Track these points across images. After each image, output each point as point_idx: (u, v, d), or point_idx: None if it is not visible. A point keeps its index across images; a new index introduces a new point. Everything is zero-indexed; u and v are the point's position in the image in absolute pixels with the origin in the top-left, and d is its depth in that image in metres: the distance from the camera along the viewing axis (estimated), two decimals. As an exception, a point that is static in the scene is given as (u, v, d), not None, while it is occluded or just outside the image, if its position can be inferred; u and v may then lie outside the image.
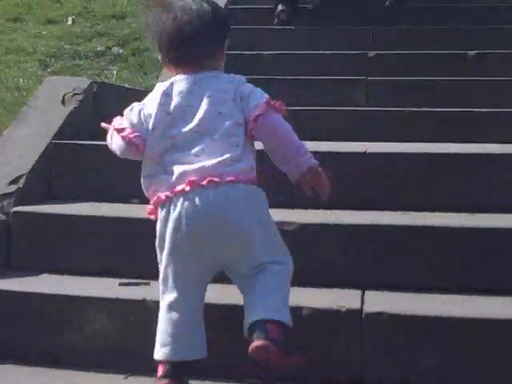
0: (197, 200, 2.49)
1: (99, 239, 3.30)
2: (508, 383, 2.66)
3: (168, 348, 2.51)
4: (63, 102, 4.13)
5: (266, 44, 6.27)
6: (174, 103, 2.66)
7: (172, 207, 2.52)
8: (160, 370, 2.51)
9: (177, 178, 2.54)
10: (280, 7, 7.01)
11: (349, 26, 6.55)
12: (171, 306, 2.55)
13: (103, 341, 2.89)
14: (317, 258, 3.11)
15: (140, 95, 5.01)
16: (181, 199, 2.51)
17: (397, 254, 3.09)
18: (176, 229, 2.51)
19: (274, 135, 2.64)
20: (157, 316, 2.66)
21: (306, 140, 2.76)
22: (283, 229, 2.92)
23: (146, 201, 3.57)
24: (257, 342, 2.37)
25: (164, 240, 2.55)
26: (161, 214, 2.57)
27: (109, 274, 3.21)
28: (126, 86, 5.39)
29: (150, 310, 2.82)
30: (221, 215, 2.50)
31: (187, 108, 2.63)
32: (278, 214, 2.94)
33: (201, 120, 2.60)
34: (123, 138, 2.69)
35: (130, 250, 3.26)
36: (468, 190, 3.51)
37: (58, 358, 2.91)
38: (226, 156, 2.54)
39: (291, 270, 2.61)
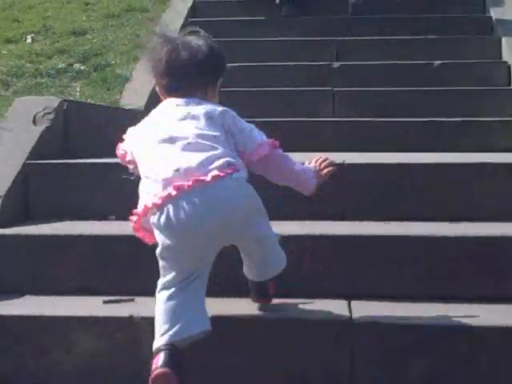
0: (184, 203, 2.57)
1: (78, 258, 3.28)
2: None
3: (171, 331, 2.56)
4: (34, 122, 4.10)
5: (228, 55, 6.25)
6: (158, 117, 2.81)
7: (165, 212, 2.59)
8: (155, 362, 2.52)
9: (164, 185, 2.61)
10: None
11: (313, 37, 6.58)
12: (174, 296, 2.60)
13: (92, 360, 2.87)
14: (300, 269, 3.13)
15: (109, 112, 5.11)
16: (169, 205, 2.58)
17: (380, 264, 3.12)
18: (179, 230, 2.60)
19: (280, 170, 2.85)
20: (145, 332, 2.70)
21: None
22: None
23: (123, 217, 3.59)
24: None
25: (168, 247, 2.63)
26: (155, 220, 2.64)
27: (90, 292, 3.19)
28: (100, 103, 5.42)
29: (137, 326, 2.83)
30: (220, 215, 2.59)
31: (170, 121, 2.74)
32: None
33: (181, 131, 2.69)
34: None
35: (111, 267, 3.25)
36: (447, 200, 3.57)
37: (46, 380, 2.88)
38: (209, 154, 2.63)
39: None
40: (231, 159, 2.64)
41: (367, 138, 5.13)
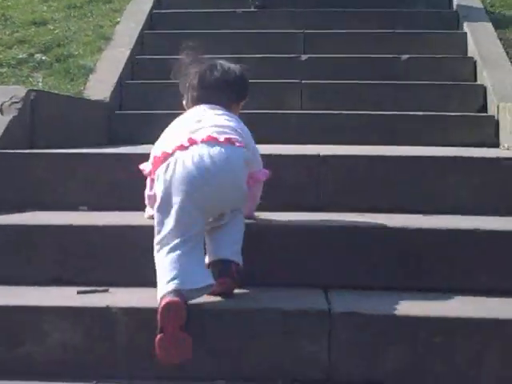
0: (193, 154, 2.84)
1: (50, 248, 3.22)
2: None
3: (177, 279, 2.70)
4: (1, 111, 4.04)
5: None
6: (185, 115, 3.13)
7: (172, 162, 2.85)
8: (164, 300, 2.65)
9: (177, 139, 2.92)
10: None
11: (280, 30, 6.55)
12: (175, 248, 2.76)
13: (66, 351, 2.82)
14: (278, 259, 3.13)
15: (76, 103, 5.05)
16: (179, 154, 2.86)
17: (355, 255, 3.13)
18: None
19: (253, 192, 3.14)
20: (121, 323, 2.71)
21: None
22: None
23: (94, 208, 3.54)
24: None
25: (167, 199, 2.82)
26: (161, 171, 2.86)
27: (63, 282, 3.14)
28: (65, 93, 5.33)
29: (114, 317, 2.79)
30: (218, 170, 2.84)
31: (197, 114, 3.06)
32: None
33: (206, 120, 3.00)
34: None
35: (83, 258, 3.20)
36: (423, 192, 3.61)
37: (19, 369, 2.82)
38: (226, 124, 2.99)
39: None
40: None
41: (333, 130, 5.15)
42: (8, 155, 3.76)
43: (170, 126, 3.08)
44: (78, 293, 3.01)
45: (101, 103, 5.38)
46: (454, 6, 6.99)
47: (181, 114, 3.34)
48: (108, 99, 5.45)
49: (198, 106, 3.09)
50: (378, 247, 3.12)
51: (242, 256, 2.93)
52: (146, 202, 3.21)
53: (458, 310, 2.83)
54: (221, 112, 3.05)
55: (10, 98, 4.12)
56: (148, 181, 3.13)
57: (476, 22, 6.50)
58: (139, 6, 7.11)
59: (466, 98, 5.63)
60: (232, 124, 2.99)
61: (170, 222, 2.79)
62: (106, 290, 3.03)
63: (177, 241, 2.76)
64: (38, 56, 6.26)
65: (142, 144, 4.93)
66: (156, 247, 2.81)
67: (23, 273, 3.20)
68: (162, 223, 2.81)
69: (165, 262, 2.75)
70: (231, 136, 2.91)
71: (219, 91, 3.12)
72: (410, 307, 2.84)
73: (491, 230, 3.15)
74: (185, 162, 2.82)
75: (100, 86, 5.65)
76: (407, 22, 6.67)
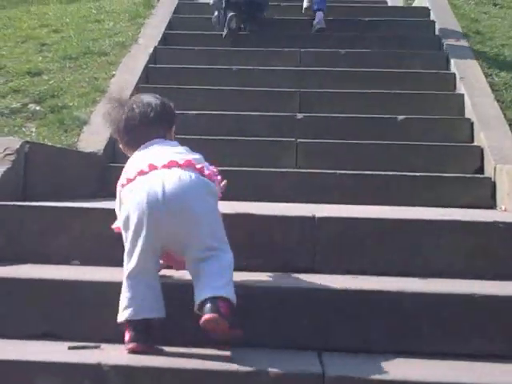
0: (153, 178, 2.94)
1: (41, 302, 3.15)
2: None
3: (131, 309, 2.86)
4: (-4, 163, 3.98)
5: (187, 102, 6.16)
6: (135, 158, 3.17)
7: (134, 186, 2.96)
8: (126, 336, 2.87)
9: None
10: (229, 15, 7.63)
11: (276, 88, 6.54)
12: (132, 275, 2.89)
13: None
14: (269, 321, 3.08)
15: (70, 155, 5.00)
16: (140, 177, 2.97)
17: (347, 317, 3.07)
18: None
19: None
20: (113, 381, 2.66)
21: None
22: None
23: (86, 261, 3.47)
24: (207, 316, 2.74)
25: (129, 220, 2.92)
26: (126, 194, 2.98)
27: (54, 337, 3.06)
28: (59, 145, 5.31)
29: (105, 374, 2.72)
30: (177, 193, 2.90)
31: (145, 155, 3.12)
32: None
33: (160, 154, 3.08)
34: None
35: (75, 313, 3.13)
36: (418, 255, 3.56)
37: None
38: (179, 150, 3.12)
39: (232, 257, 2.96)
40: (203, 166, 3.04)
41: (329, 189, 5.14)
42: (0, 207, 3.69)
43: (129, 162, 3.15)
44: (70, 348, 2.93)
45: (94, 155, 5.34)
46: (452, 68, 6.99)
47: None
48: (101, 152, 5.41)
49: (138, 153, 3.15)
50: (372, 310, 3.07)
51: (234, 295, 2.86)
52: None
53: (452, 377, 2.77)
54: (170, 144, 3.19)
55: (4, 150, 4.07)
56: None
57: (473, 83, 6.50)
58: (135, 60, 7.10)
59: (463, 159, 5.61)
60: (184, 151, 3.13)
61: (128, 241, 2.92)
62: (98, 347, 2.96)
63: (136, 268, 2.90)
64: (32, 106, 6.23)
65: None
66: (124, 263, 2.95)
67: (13, 326, 3.12)
68: (125, 239, 2.95)
69: (126, 287, 2.90)
70: (190, 158, 3.02)
71: (148, 129, 3.21)
72: (405, 371, 2.78)
73: (488, 295, 3.10)
74: (144, 187, 2.92)
75: (94, 138, 5.61)
76: (404, 82, 6.69)
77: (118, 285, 3.06)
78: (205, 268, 2.86)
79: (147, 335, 2.87)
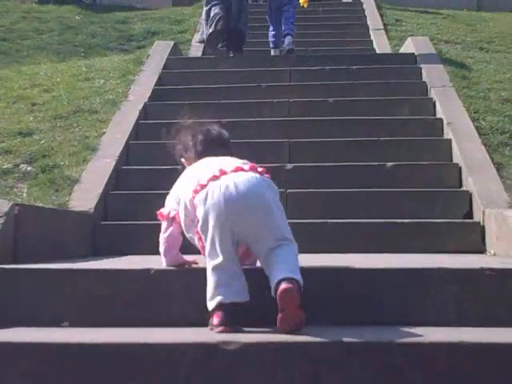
0: (225, 182, 3.35)
1: (31, 366, 3.13)
2: None
3: (220, 295, 3.24)
4: (-16, 227, 4.00)
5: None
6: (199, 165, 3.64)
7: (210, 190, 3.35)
8: (215, 320, 3.24)
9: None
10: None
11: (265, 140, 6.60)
12: (219, 266, 3.28)
13: None
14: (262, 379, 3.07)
15: (61, 215, 5.02)
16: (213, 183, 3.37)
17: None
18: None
19: None
20: None
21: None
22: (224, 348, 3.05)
23: (76, 324, 3.48)
24: (284, 285, 3.13)
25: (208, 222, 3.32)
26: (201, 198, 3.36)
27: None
28: (49, 205, 5.37)
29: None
30: (249, 190, 3.33)
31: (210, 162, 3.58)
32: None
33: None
34: None
35: (64, 376, 3.11)
36: (407, 303, 3.56)
37: None
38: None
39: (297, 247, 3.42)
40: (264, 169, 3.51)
41: (320, 238, 5.16)
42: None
43: (186, 173, 3.61)
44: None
45: (85, 214, 5.36)
46: (439, 113, 7.05)
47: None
48: (92, 210, 5.43)
49: (208, 158, 3.61)
50: (361, 361, 3.07)
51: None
52: (161, 247, 3.66)
53: None
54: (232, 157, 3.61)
55: (-6, 213, 4.09)
56: (163, 224, 3.64)
57: (460, 128, 6.55)
58: (125, 117, 7.15)
59: (452, 205, 5.63)
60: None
61: (208, 240, 3.31)
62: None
63: (221, 260, 3.28)
64: (23, 166, 6.26)
65: (126, 255, 4.92)
66: (206, 259, 3.36)
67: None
68: (205, 240, 3.33)
69: (212, 276, 3.29)
70: (254, 164, 3.47)
71: (222, 147, 3.74)
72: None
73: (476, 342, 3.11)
74: (219, 189, 3.31)
75: (85, 196, 5.64)
76: (392, 128, 6.73)
77: (109, 347, 3.10)
78: (280, 254, 3.27)
79: (234, 319, 3.23)
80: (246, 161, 3.53)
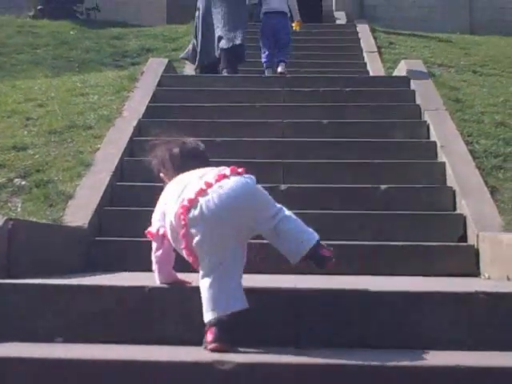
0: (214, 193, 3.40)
1: (24, 380, 3.14)
2: None
3: (216, 309, 3.27)
4: (-22, 241, 3.99)
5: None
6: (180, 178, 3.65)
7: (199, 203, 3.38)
8: (209, 337, 3.26)
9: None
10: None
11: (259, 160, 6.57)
12: (214, 278, 3.31)
13: None
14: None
15: (55, 231, 5.00)
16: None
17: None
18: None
19: None
20: None
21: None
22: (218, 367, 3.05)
23: (70, 340, 3.46)
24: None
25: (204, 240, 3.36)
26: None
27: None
28: (43, 220, 5.36)
29: None
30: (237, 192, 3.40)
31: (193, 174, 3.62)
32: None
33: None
34: None
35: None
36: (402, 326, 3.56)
37: None
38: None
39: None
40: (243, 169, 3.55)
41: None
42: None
43: (168, 189, 3.61)
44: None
45: (79, 229, 5.35)
46: (432, 136, 7.07)
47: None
48: (86, 225, 5.42)
49: (187, 172, 3.61)
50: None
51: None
52: (154, 266, 3.67)
53: None
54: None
55: (-13, 229, 4.08)
56: (153, 243, 3.65)
57: (454, 151, 6.58)
58: (120, 133, 7.14)
59: (446, 228, 5.64)
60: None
61: (205, 254, 3.36)
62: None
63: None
64: (17, 181, 6.24)
65: (120, 271, 4.90)
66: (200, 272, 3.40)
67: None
68: (201, 257, 3.37)
69: (206, 288, 3.32)
70: (233, 167, 3.50)
71: (198, 159, 3.77)
72: None
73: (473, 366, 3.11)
74: (211, 202, 3.35)
75: (79, 211, 5.62)
76: (386, 151, 6.74)
77: (102, 363, 3.09)
78: (284, 229, 3.47)
79: (228, 336, 3.25)
80: (224, 167, 3.56)
